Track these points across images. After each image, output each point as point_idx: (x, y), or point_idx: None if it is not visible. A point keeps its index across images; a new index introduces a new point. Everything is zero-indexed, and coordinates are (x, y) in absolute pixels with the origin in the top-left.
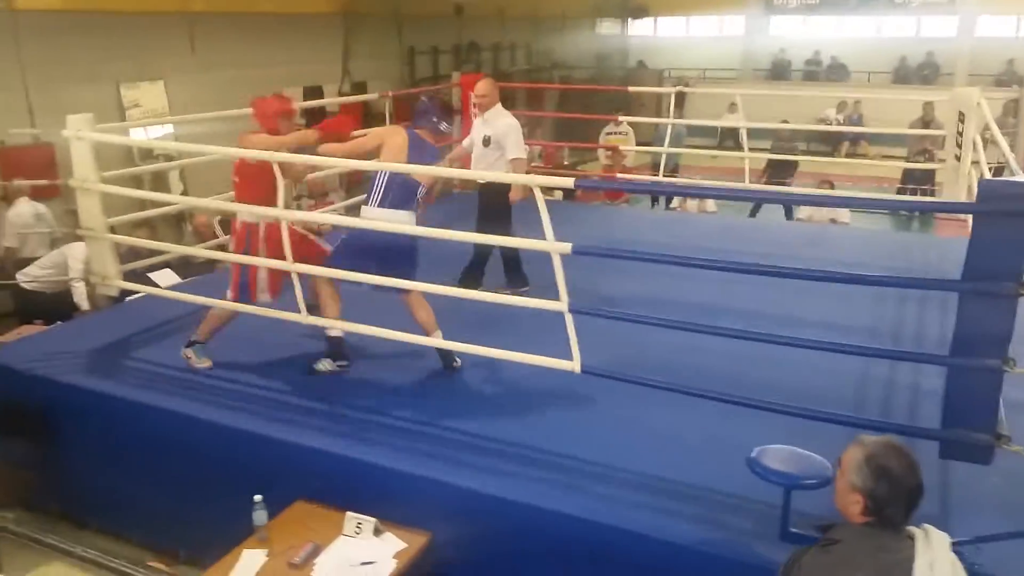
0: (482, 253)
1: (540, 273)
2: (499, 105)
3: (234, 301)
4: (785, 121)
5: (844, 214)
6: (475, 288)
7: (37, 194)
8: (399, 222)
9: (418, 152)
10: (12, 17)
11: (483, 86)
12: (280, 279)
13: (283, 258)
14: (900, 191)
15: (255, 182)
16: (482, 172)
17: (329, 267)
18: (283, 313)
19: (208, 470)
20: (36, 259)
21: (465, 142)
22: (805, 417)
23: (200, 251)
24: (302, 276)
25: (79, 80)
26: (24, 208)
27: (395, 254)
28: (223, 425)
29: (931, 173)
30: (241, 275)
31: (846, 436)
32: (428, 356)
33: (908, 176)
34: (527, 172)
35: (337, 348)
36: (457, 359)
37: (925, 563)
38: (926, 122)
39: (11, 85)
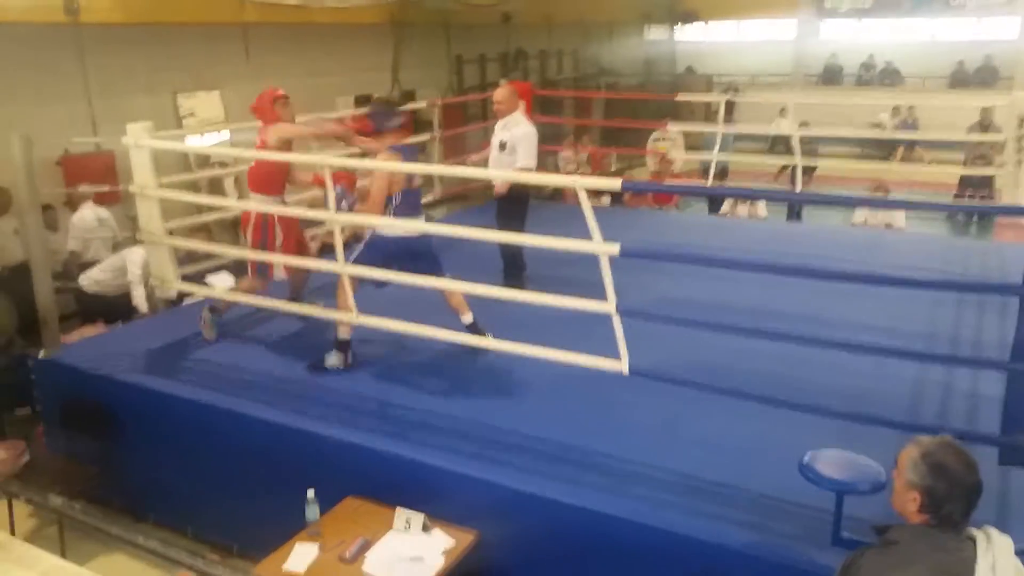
0: (508, 256)
1: (584, 275)
2: (518, 112)
3: (254, 275)
4: (805, 123)
5: (900, 219)
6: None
7: (99, 200)
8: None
9: (409, 156)
10: (77, 31)
11: (500, 93)
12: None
13: (297, 234)
14: (958, 197)
15: (265, 164)
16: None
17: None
18: (335, 313)
19: (261, 467)
20: (98, 262)
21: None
22: (859, 421)
23: (255, 255)
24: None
25: (138, 90)
26: (87, 213)
27: (420, 257)
28: (277, 423)
29: (989, 178)
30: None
31: (899, 441)
32: (477, 356)
33: (966, 181)
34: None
35: (345, 346)
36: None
37: (987, 565)
38: (984, 126)
39: (76, 95)
